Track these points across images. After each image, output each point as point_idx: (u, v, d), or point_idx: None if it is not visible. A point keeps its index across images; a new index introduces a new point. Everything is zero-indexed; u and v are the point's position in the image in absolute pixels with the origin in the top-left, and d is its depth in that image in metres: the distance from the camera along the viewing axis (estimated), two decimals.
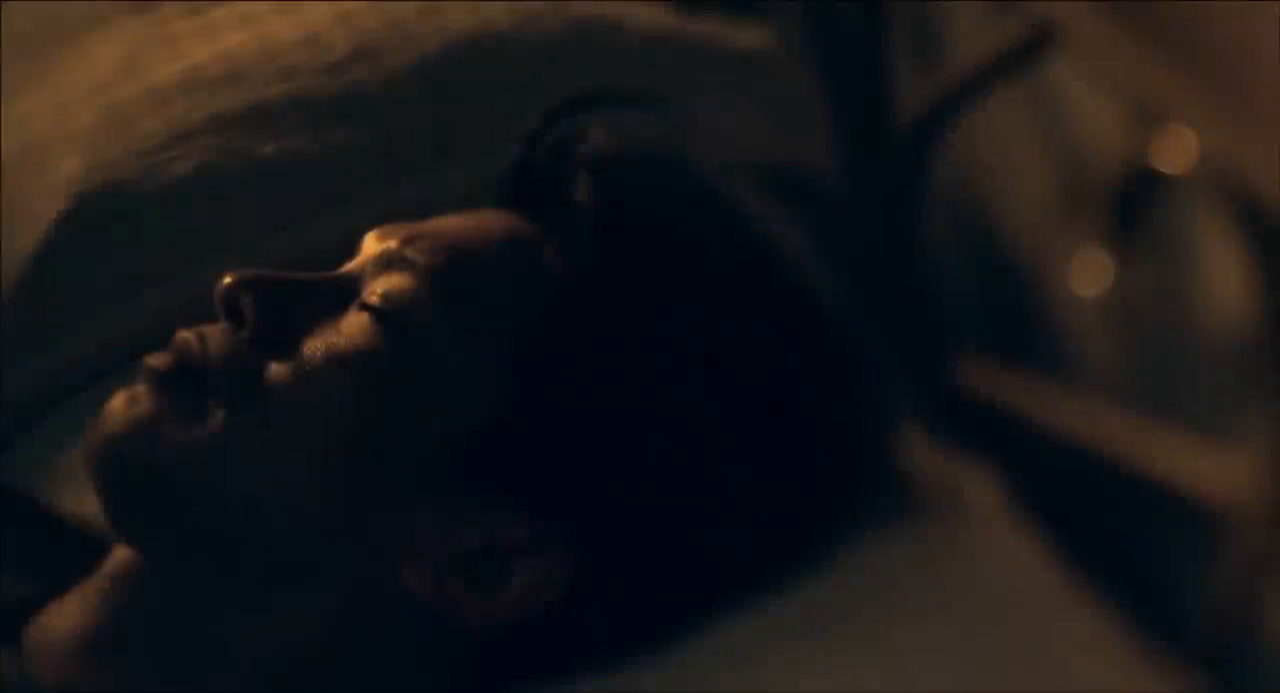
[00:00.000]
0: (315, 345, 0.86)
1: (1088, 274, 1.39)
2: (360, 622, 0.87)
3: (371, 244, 0.90)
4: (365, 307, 0.87)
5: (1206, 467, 1.26)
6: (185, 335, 0.87)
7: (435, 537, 0.86)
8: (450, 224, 0.91)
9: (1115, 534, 1.34)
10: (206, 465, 0.85)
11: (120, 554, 0.90)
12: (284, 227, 1.07)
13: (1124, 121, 1.37)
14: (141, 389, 0.87)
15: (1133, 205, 1.34)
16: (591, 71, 1.15)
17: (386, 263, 0.88)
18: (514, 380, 0.86)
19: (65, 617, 0.90)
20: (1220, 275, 1.32)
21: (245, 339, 0.87)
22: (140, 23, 1.16)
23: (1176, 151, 1.31)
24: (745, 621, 0.89)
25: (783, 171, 1.23)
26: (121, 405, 0.86)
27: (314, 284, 0.89)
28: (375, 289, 0.87)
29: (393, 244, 0.89)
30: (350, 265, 0.90)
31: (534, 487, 0.86)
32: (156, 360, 0.87)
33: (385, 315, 0.86)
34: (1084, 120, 1.47)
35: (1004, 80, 1.47)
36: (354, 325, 0.86)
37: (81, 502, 0.95)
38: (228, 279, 0.87)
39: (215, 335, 0.87)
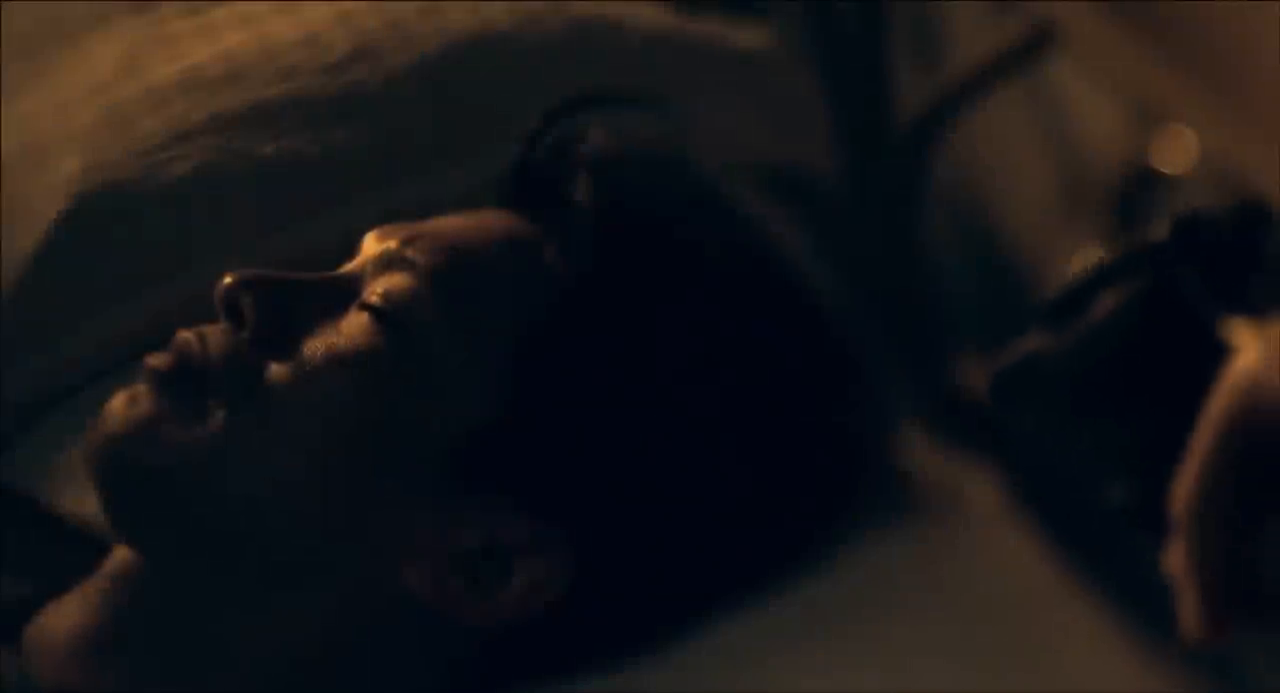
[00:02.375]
0: (315, 345, 0.86)
1: None
2: (360, 622, 0.87)
3: (371, 244, 0.90)
4: (365, 306, 0.87)
5: None
6: (185, 335, 0.87)
7: (435, 537, 0.86)
8: (450, 224, 0.91)
9: (1115, 534, 1.34)
10: (206, 466, 0.85)
11: (120, 554, 0.89)
12: (284, 227, 1.07)
13: (1124, 121, 1.37)
14: (142, 389, 0.87)
15: (1133, 205, 1.34)
16: (591, 71, 1.15)
17: (386, 263, 0.88)
18: (514, 380, 0.86)
19: (65, 617, 0.90)
20: None
21: (245, 339, 0.87)
22: (140, 23, 1.16)
23: (1176, 151, 1.31)
24: (745, 621, 0.89)
25: (783, 171, 1.23)
26: (121, 405, 0.86)
27: (314, 284, 0.89)
28: (375, 289, 0.87)
29: (393, 244, 0.89)
30: (350, 265, 0.90)
31: (534, 487, 0.86)
32: (157, 360, 0.87)
33: (385, 315, 0.86)
34: (1084, 120, 1.47)
35: (1004, 80, 1.47)
36: (354, 325, 0.86)
37: (81, 502, 0.95)
38: (228, 279, 0.87)
39: (215, 335, 0.87)
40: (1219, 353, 0.55)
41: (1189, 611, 0.54)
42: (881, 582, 0.92)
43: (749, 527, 0.89)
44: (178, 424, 0.85)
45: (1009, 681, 0.88)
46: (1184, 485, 0.53)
